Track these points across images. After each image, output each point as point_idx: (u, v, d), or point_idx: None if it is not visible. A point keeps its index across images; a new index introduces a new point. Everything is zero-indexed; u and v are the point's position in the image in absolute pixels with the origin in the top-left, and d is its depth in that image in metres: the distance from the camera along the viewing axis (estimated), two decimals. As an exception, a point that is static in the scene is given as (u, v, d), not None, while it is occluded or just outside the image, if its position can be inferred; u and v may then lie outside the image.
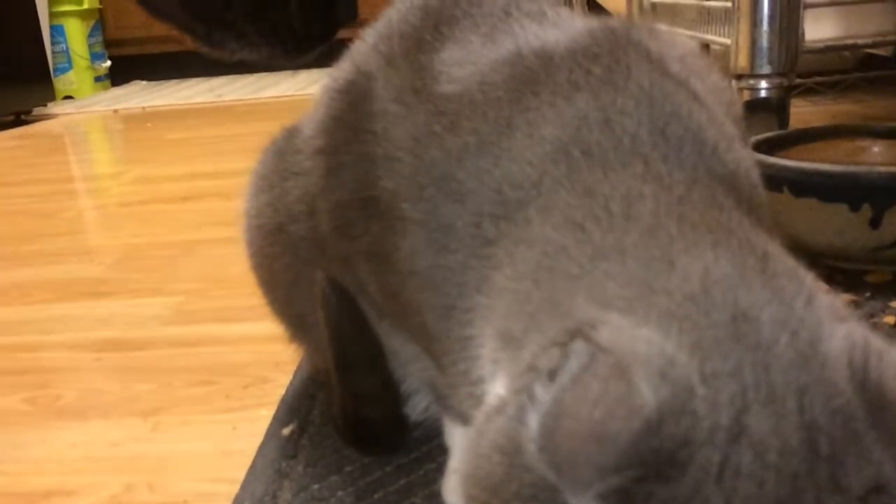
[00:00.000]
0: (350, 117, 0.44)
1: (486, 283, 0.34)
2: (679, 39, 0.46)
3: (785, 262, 0.30)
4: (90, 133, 2.30)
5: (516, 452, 0.26)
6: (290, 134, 0.55)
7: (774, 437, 0.24)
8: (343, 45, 0.51)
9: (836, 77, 1.57)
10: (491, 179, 0.36)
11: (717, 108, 0.39)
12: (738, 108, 0.44)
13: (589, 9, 2.10)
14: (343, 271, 0.46)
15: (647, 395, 0.24)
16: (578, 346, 0.25)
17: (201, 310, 0.84)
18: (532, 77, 0.37)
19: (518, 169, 0.35)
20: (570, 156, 0.34)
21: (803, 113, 1.49)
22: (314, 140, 0.48)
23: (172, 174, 1.55)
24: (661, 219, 0.31)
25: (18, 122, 2.56)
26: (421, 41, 0.44)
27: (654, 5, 1.49)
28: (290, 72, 3.40)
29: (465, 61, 0.41)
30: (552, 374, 0.25)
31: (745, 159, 0.37)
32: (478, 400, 0.35)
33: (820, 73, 1.57)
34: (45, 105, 2.73)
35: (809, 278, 0.29)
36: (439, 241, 0.37)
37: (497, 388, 0.30)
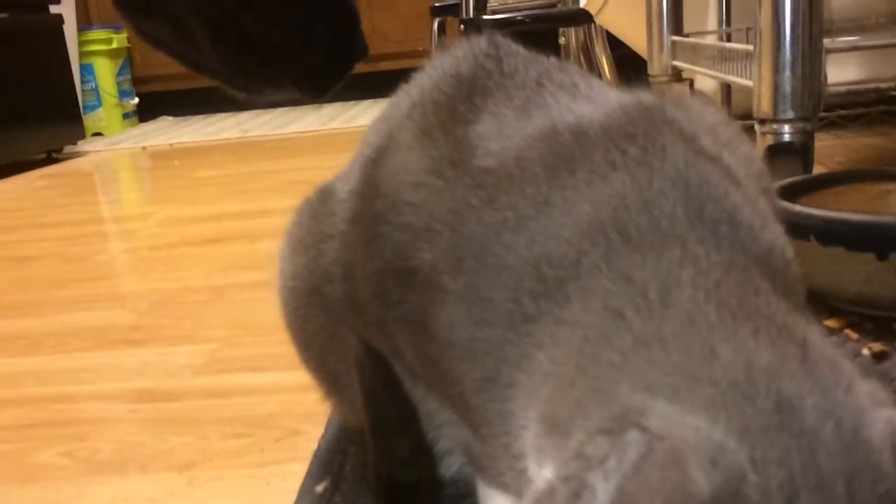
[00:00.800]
0: (387, 189, 0.45)
1: (526, 361, 0.35)
2: (708, 109, 0.47)
3: (824, 348, 0.30)
4: (119, 171, 2.35)
5: None
6: (325, 195, 0.56)
7: None
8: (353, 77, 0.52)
9: (860, 110, 1.57)
10: (530, 256, 0.36)
11: (750, 183, 0.40)
12: (768, 179, 0.45)
13: (611, 46, 2.12)
14: (378, 335, 0.47)
15: (701, 482, 0.24)
16: (634, 436, 0.26)
17: (232, 358, 0.86)
18: (568, 154, 0.38)
19: (556, 247, 0.36)
20: (608, 237, 0.35)
21: (827, 147, 1.49)
22: (350, 206, 0.49)
23: (200, 215, 1.58)
24: (699, 305, 0.31)
25: (50, 160, 2.62)
26: (455, 112, 0.45)
27: (674, 43, 1.50)
28: (313, 106, 3.45)
29: (500, 135, 0.42)
30: (603, 463, 0.26)
31: (779, 236, 0.37)
32: (519, 473, 0.36)
33: (843, 107, 1.57)
34: (76, 143, 2.79)
35: (848, 365, 0.30)
36: (478, 315, 0.38)
37: (544, 473, 0.31)
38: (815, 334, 0.31)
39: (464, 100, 0.46)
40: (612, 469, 0.25)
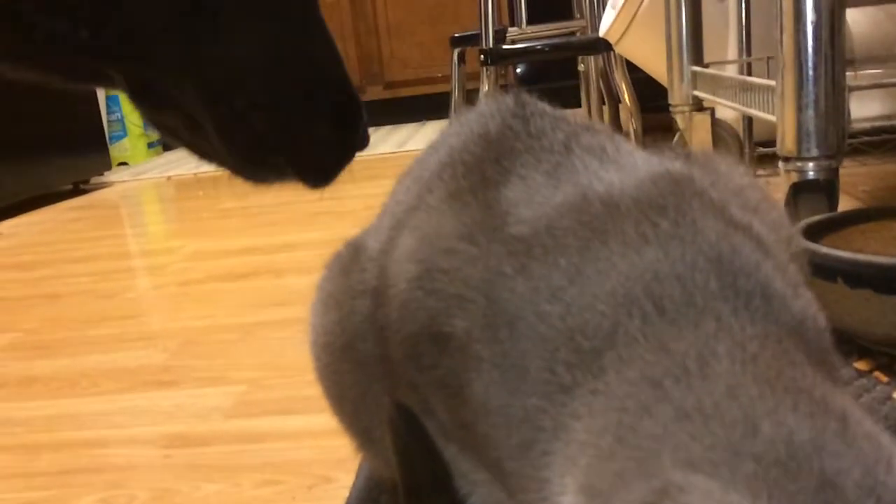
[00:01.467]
0: (420, 254, 0.46)
1: (563, 431, 0.35)
2: (736, 171, 0.48)
3: (863, 423, 0.31)
4: (145, 203, 2.39)
5: None
6: (355, 250, 0.57)
7: None
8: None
9: (884, 136, 1.56)
10: (563, 326, 0.37)
11: (780, 250, 0.40)
12: (798, 243, 0.45)
13: (629, 70, 2.13)
14: (410, 394, 0.48)
15: None
16: None
17: (262, 400, 0.87)
18: (600, 226, 0.39)
19: (590, 318, 0.36)
20: (643, 310, 0.35)
21: (852, 175, 1.49)
22: (382, 266, 0.50)
23: (226, 248, 1.60)
24: (738, 379, 0.32)
25: (77, 191, 2.67)
26: (485, 175, 0.46)
27: (694, 73, 1.51)
28: (334, 133, 3.49)
29: (531, 202, 0.43)
30: None
31: (810, 304, 0.38)
32: None
33: (867, 133, 1.56)
34: (102, 174, 2.84)
35: (886, 438, 0.30)
36: (513, 383, 0.38)
37: None
38: (854, 407, 0.32)
39: (493, 162, 0.47)
40: None
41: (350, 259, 0.57)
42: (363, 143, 0.44)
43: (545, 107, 0.51)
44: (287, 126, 0.41)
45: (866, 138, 1.57)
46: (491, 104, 0.53)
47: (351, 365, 0.54)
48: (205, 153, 0.43)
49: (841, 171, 1.02)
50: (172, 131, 0.43)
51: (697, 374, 0.32)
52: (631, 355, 0.34)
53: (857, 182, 1.47)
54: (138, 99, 0.42)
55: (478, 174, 0.46)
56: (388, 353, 0.48)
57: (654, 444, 0.31)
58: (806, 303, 0.37)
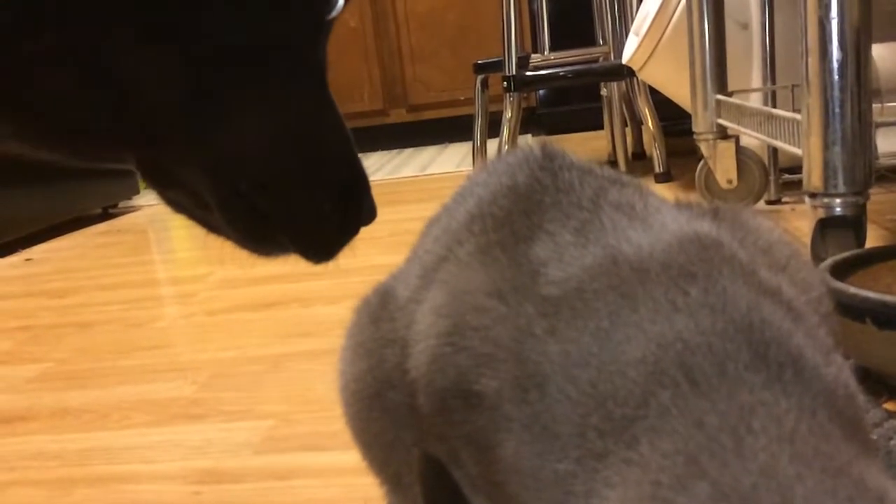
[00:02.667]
0: (450, 310, 0.46)
1: (597, 497, 0.36)
2: (765, 226, 0.48)
3: None
4: (173, 228, 2.42)
5: None
6: (383, 298, 0.58)
7: None
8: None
9: (911, 164, 1.55)
10: (595, 392, 0.37)
11: (809, 312, 0.40)
12: (828, 303, 0.45)
13: (652, 91, 2.13)
14: (439, 445, 0.48)
15: None
16: None
17: (291, 436, 0.88)
18: (630, 292, 0.39)
19: (622, 385, 0.37)
20: (675, 380, 0.36)
21: (879, 203, 1.47)
22: (411, 317, 0.51)
23: (254, 276, 1.62)
24: (775, 456, 0.32)
25: (106, 215, 2.71)
26: (514, 230, 0.46)
27: (718, 102, 1.51)
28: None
29: (560, 261, 0.43)
30: None
31: (842, 370, 0.38)
32: None
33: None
34: (131, 198, 2.88)
35: None
36: (544, 447, 0.38)
37: None
38: (891, 485, 0.32)
39: (521, 215, 0.47)
40: None
41: (379, 306, 0.58)
42: (369, 217, 0.45)
43: (573, 159, 0.52)
44: (290, 205, 0.42)
45: (893, 164, 1.56)
46: (519, 155, 0.54)
47: (380, 413, 0.55)
48: (212, 227, 0.44)
49: (868, 200, 1.01)
50: (181, 206, 0.44)
51: (733, 451, 0.32)
52: (664, 427, 0.35)
53: (884, 210, 1.46)
54: (148, 177, 0.42)
55: (507, 228, 0.47)
56: (417, 403, 0.49)
57: None
58: (837, 369, 0.37)
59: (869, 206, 1.07)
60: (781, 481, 0.31)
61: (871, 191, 1.52)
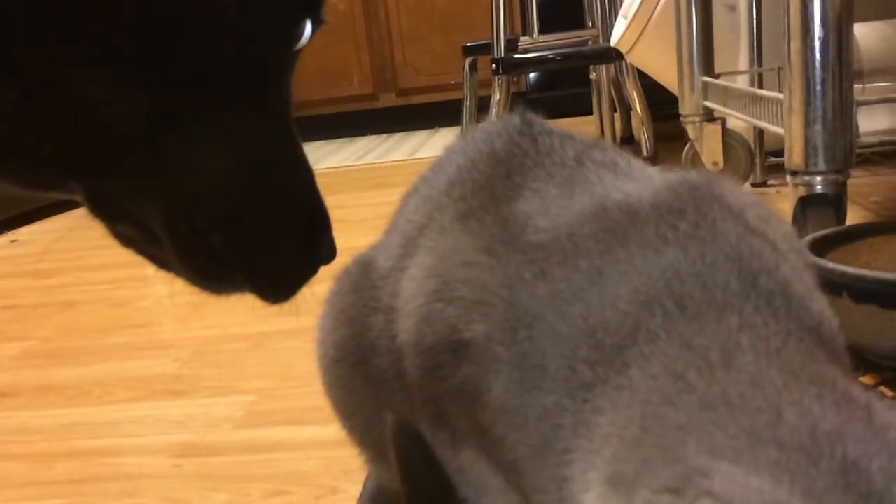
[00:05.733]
0: (437, 270, 0.46)
1: (585, 427, 0.36)
2: (742, 190, 0.48)
3: (887, 414, 0.31)
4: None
5: None
6: (364, 267, 0.58)
7: None
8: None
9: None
10: (585, 325, 0.38)
11: (793, 258, 0.41)
12: (807, 256, 0.46)
13: (641, 77, 2.13)
14: (426, 408, 0.48)
15: None
16: (702, 502, 0.26)
17: (272, 411, 0.88)
18: (620, 231, 0.40)
19: (612, 316, 0.37)
20: (665, 307, 0.36)
21: (862, 185, 1.48)
22: (396, 284, 0.50)
23: (239, 257, 1.61)
24: (762, 370, 0.32)
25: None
26: (495, 192, 0.46)
27: (705, 84, 1.51)
28: (346, 140, 3.51)
29: (547, 212, 0.43)
30: None
31: (826, 308, 0.39)
32: None
33: (879, 143, 1.56)
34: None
35: None
36: (532, 382, 0.39)
37: None
38: (877, 400, 0.32)
39: (502, 178, 0.47)
40: None
41: (360, 275, 0.58)
42: (328, 257, 0.43)
43: (552, 126, 0.52)
44: (248, 243, 0.39)
45: (879, 148, 1.57)
46: (497, 123, 0.54)
47: (363, 381, 0.55)
48: (162, 263, 0.42)
49: (851, 181, 1.02)
50: (128, 240, 0.41)
51: (721, 366, 0.33)
52: (653, 351, 0.35)
53: (867, 192, 1.47)
54: (96, 209, 0.39)
55: (488, 192, 0.47)
56: (404, 368, 0.49)
57: (679, 433, 0.32)
58: (822, 306, 0.38)
59: (852, 188, 1.07)
60: (769, 390, 0.31)
61: (856, 173, 1.53)
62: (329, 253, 0.43)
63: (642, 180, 0.44)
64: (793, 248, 0.44)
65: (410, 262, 0.50)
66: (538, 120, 0.52)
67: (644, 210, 0.40)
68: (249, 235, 0.39)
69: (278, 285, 0.42)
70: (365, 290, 0.56)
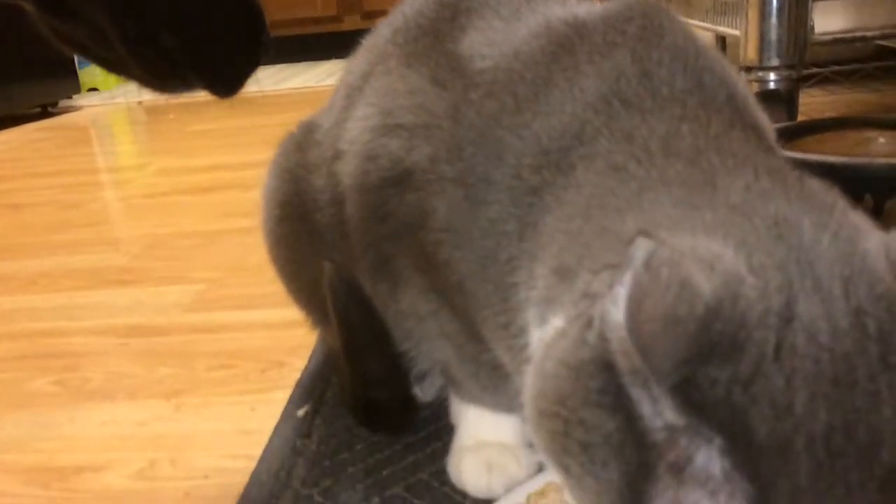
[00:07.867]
0: (380, 105, 0.45)
1: (530, 230, 0.36)
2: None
3: (819, 183, 0.32)
4: (115, 125, 2.35)
5: (581, 366, 0.28)
6: (309, 128, 0.57)
7: (824, 321, 0.26)
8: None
9: (853, 66, 1.57)
10: (530, 133, 0.38)
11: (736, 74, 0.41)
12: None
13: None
14: (367, 254, 0.48)
15: (703, 284, 0.25)
16: (641, 242, 0.26)
17: (221, 297, 0.87)
18: (567, 41, 0.40)
19: (558, 121, 0.37)
20: (610, 106, 0.36)
21: (819, 103, 1.49)
22: (339, 132, 0.50)
23: (195, 166, 1.59)
24: (700, 151, 0.33)
25: (45, 114, 2.61)
26: (441, 35, 0.46)
27: (668, -4, 1.49)
28: (309, 63, 3.43)
29: (493, 41, 0.43)
30: (611, 290, 0.26)
31: (767, 119, 0.39)
32: (518, 351, 0.37)
33: (836, 63, 1.57)
34: (71, 97, 2.78)
35: (836, 194, 0.31)
36: (478, 196, 0.39)
37: (556, 322, 0.32)
38: (809, 177, 0.33)
39: (447, 21, 0.46)
40: (621, 294, 0.26)
41: (304, 136, 0.57)
42: (266, 52, 0.45)
43: None
44: (194, 40, 0.42)
45: (836, 67, 1.58)
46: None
47: (307, 236, 0.54)
48: (114, 66, 0.44)
49: (809, 99, 1.02)
50: (80, 46, 0.43)
51: (660, 153, 0.33)
52: (598, 148, 0.35)
53: (824, 110, 1.48)
54: (48, 13, 0.41)
55: (433, 35, 0.46)
56: (345, 216, 0.48)
57: (620, 216, 0.32)
58: (763, 115, 0.39)
59: (811, 106, 1.08)
60: (705, 167, 0.32)
61: (812, 92, 1.54)
62: (267, 47, 0.45)
63: (590, 5, 0.44)
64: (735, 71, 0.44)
65: (354, 111, 0.49)
66: None
67: (591, 22, 0.40)
68: (195, 32, 0.41)
69: (226, 77, 0.44)
70: (308, 148, 0.55)
